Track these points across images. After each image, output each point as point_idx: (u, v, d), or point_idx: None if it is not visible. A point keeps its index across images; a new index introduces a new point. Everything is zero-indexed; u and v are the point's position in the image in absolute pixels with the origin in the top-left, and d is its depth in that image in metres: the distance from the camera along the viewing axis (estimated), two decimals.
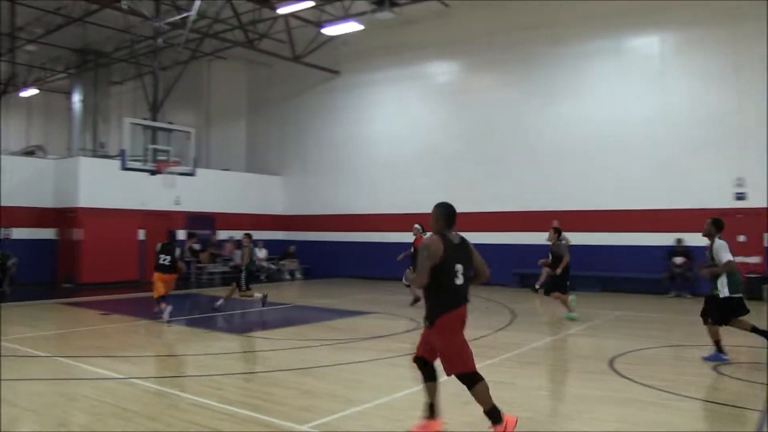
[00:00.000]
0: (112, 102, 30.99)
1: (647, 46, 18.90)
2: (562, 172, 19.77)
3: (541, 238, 15.34)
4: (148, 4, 19.04)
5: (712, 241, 8.98)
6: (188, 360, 9.26)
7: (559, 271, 13.42)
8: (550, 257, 13.81)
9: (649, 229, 18.27)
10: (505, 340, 10.79)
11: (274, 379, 7.82)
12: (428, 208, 18.30)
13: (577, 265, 14.61)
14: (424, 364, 5.68)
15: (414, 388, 7.27)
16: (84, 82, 28.92)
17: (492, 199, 21.01)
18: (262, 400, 6.84)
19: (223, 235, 24.60)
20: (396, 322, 12.86)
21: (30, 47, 27.39)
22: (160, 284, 12.79)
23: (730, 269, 8.72)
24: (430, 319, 5.41)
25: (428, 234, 7.05)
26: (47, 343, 10.59)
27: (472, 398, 5.44)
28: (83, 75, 28.85)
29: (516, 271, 20.19)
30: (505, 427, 5.37)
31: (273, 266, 24.45)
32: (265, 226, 26.42)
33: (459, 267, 5.43)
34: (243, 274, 14.40)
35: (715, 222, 9.11)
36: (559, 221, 15.63)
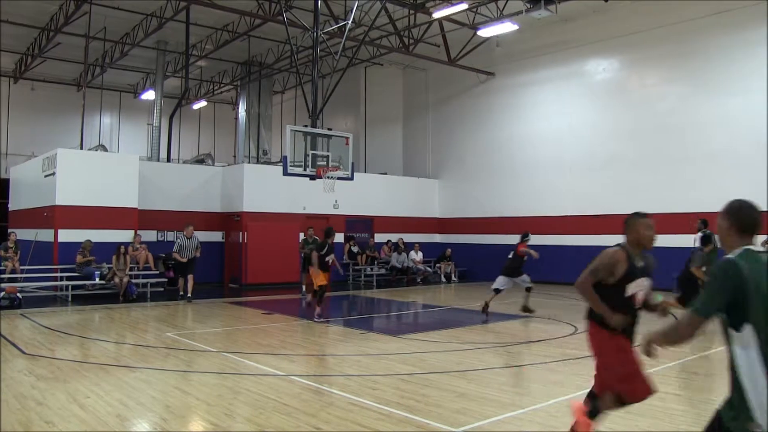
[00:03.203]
0: (274, 110, 32.38)
1: None
2: (734, 171, 18.51)
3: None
4: (307, 15, 19.69)
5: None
6: (345, 359, 9.45)
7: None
8: None
9: None
10: (669, 347, 10.25)
11: (430, 381, 7.82)
12: (589, 210, 17.93)
13: None
14: None
15: (572, 395, 7.06)
16: (248, 92, 30.37)
17: (658, 200, 20.07)
18: (417, 401, 6.84)
19: (380, 237, 25.04)
20: (555, 327, 12.55)
21: (201, 63, 29.20)
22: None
23: None
24: None
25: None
26: (215, 339, 11.17)
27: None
28: (247, 86, 30.31)
29: (677, 274, 19.17)
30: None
31: (429, 269, 24.56)
32: (422, 228, 26.61)
33: None
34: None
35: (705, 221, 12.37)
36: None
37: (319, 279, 13.40)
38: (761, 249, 3.06)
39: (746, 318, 2.86)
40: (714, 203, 16.07)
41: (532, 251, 14.50)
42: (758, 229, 3.18)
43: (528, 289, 14.36)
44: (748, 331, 2.83)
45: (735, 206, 3.25)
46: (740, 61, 18.61)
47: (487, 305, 14.17)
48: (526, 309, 14.19)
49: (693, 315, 3.06)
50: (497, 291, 14.19)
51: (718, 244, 9.11)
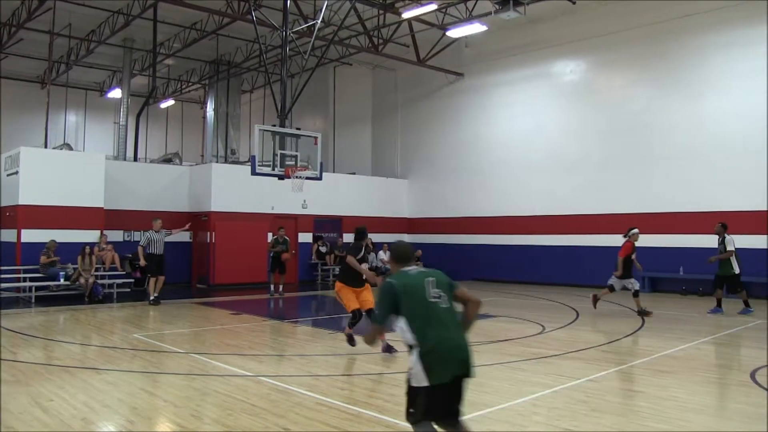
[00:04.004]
0: (243, 110, 32.21)
1: None
2: (701, 173, 18.79)
3: (672, 240, 14.72)
4: (276, 14, 19.61)
5: (724, 237, 14.29)
6: (314, 359, 9.43)
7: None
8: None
9: None
10: (635, 346, 10.39)
11: (399, 381, 7.81)
12: (557, 210, 18.09)
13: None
14: None
15: (539, 393, 7.13)
16: (216, 91, 30.16)
17: (622, 200, 20.34)
18: (387, 401, 6.87)
19: (349, 237, 25.01)
20: (522, 326, 12.64)
21: (168, 61, 28.95)
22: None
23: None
24: None
25: None
26: (183, 340, 11.09)
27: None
28: (216, 85, 30.10)
29: (643, 273, 19.44)
30: None
31: None
32: (390, 228, 26.64)
33: None
34: None
35: (724, 225, 14.49)
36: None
37: (350, 299, 9.74)
38: (412, 268, 4.67)
39: (401, 314, 4.38)
40: (680, 204, 16.46)
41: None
42: (410, 259, 4.79)
43: (635, 294, 14.09)
44: (402, 321, 4.35)
45: (393, 245, 4.93)
46: (707, 64, 18.96)
47: (597, 298, 14.69)
48: (641, 312, 13.84)
49: (374, 325, 4.79)
50: (612, 288, 14.50)
51: (729, 247, 13.56)
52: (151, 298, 16.28)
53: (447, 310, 4.46)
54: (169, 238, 17.00)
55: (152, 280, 16.56)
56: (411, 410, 4.32)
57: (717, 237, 14.76)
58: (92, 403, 6.75)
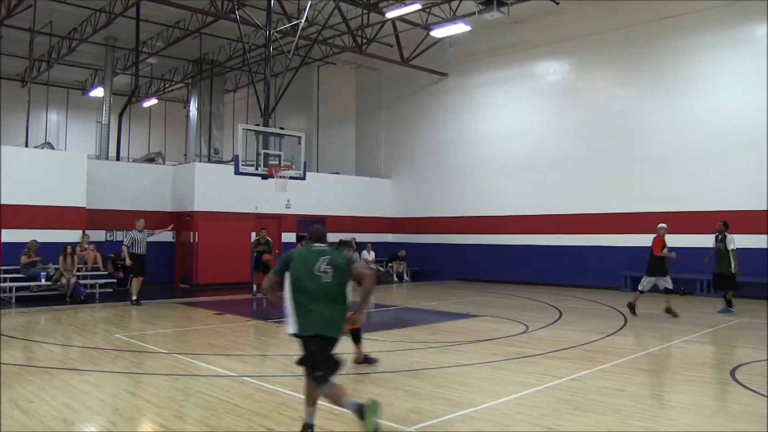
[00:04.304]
0: (226, 109, 32.11)
1: None
2: (682, 173, 18.93)
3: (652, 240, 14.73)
4: (260, 13, 19.56)
5: (725, 235, 14.41)
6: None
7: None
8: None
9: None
10: (618, 345, 10.45)
11: (382, 381, 7.84)
12: (540, 210, 18.15)
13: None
14: None
15: (522, 392, 7.16)
16: (200, 90, 30.06)
17: (604, 200, 20.47)
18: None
19: (332, 237, 24.98)
20: (505, 326, 12.68)
21: (151, 60, 28.79)
22: None
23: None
24: None
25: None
26: (166, 340, 11.04)
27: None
28: (199, 84, 29.99)
29: (626, 273, 19.59)
30: None
31: (381, 268, 24.61)
32: (374, 228, 26.68)
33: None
34: None
35: (725, 223, 14.57)
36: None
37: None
38: (317, 245, 5.78)
39: (288, 272, 5.61)
40: (660, 203, 16.52)
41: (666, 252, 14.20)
42: (320, 240, 5.87)
43: (668, 291, 13.90)
44: (287, 277, 5.58)
45: (311, 227, 6.00)
46: (689, 65, 19.11)
47: (633, 305, 14.09)
48: (669, 311, 13.68)
49: (271, 275, 5.81)
50: (641, 291, 14.17)
51: (731, 246, 13.92)
52: (134, 298, 16.17)
53: (326, 285, 5.53)
54: (151, 238, 16.90)
55: (135, 280, 16.45)
56: (304, 362, 5.58)
57: (716, 235, 14.74)
58: (74, 404, 6.70)
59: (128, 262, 16.47)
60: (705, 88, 18.68)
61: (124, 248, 16.60)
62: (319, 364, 5.43)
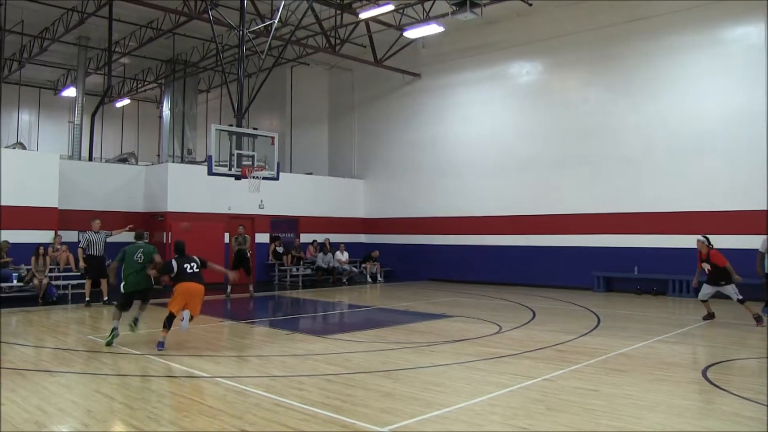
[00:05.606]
0: (199, 109, 31.95)
1: (749, 36, 17.76)
2: (653, 173, 19.17)
3: (626, 240, 14.88)
4: (233, 13, 19.51)
5: None
6: (270, 360, 9.43)
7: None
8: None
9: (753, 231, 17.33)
10: (590, 345, 10.58)
11: (355, 381, 7.88)
12: (512, 210, 18.30)
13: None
14: None
15: (495, 393, 7.24)
16: (173, 90, 29.91)
17: (577, 200, 20.66)
18: (343, 401, 6.90)
19: (306, 238, 25.02)
20: (479, 326, 12.78)
21: (124, 60, 28.59)
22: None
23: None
24: None
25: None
26: (139, 341, 10.97)
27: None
28: (172, 84, 29.83)
29: (597, 273, 19.80)
30: None
31: (355, 269, 24.64)
32: (347, 229, 26.72)
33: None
34: None
35: None
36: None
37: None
38: (140, 243, 11.10)
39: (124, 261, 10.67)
40: (633, 204, 16.69)
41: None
42: (141, 238, 11.40)
43: (741, 301, 12.89)
44: (123, 265, 10.66)
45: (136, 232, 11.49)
46: (657, 67, 19.31)
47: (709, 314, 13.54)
48: (757, 318, 12.83)
49: (116, 262, 11.07)
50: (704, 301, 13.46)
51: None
52: (105, 298, 16.03)
53: (141, 265, 10.66)
54: (111, 239, 16.73)
55: (103, 282, 16.25)
56: (119, 303, 10.78)
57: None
58: (45, 406, 6.67)
59: (82, 264, 16.29)
60: (675, 90, 18.93)
61: (79, 250, 16.41)
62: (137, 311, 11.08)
